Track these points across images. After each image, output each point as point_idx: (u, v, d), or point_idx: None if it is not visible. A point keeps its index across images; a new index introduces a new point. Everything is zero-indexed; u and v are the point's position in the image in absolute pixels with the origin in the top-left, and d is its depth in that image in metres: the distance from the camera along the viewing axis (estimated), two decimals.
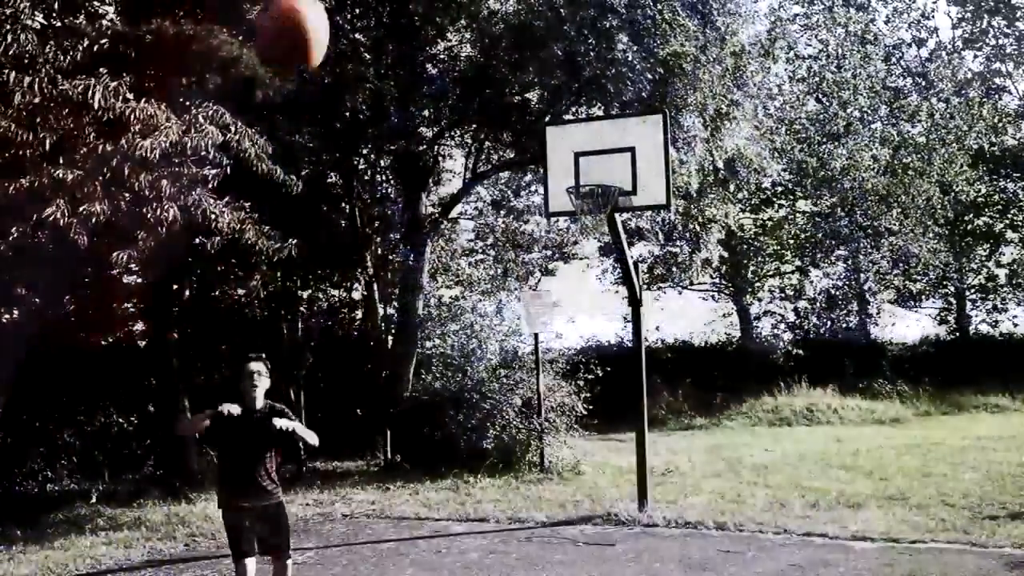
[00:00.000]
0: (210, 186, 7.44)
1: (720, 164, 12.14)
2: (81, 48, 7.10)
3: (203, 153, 7.15)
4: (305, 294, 16.35)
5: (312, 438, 5.16)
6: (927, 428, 16.28)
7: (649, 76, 10.55)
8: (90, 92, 6.46)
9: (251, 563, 5.02)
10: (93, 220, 6.63)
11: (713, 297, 25.32)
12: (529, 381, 11.72)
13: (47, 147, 6.47)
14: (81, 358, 12.57)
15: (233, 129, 7.44)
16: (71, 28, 7.63)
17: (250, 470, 5.07)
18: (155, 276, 11.19)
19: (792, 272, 23.39)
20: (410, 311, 13.78)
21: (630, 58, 10.49)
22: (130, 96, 6.70)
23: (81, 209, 6.54)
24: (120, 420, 12.71)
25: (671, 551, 7.10)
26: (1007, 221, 24.95)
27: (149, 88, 7.49)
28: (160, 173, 7.04)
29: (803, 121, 20.41)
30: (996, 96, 25.34)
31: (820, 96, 21.94)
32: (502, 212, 19.09)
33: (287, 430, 4.97)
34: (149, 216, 7.06)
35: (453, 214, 17.55)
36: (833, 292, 23.08)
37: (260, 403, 5.12)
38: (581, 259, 22.30)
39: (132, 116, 6.60)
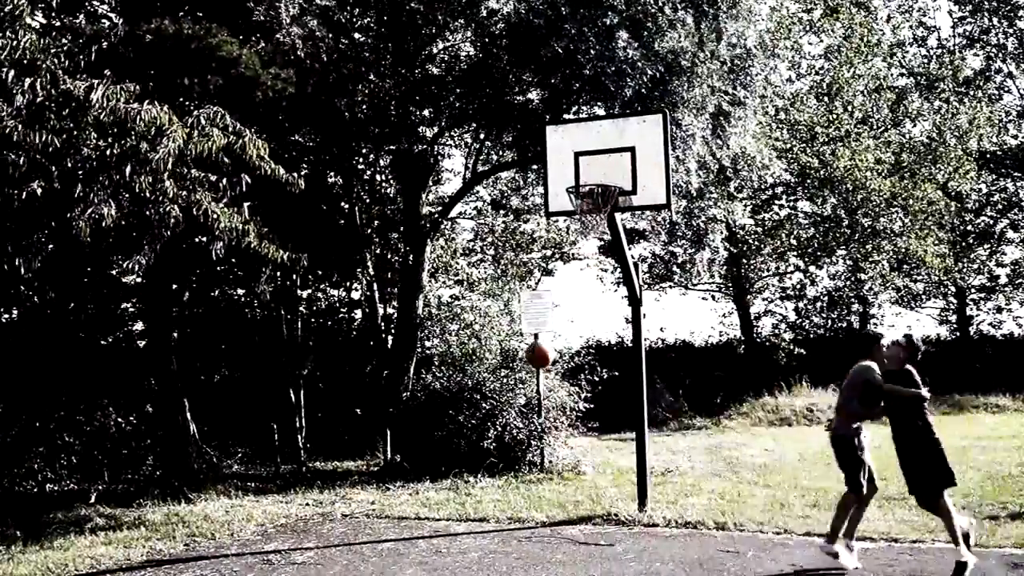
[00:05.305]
0: (220, 195, 7.38)
1: (726, 162, 12.10)
2: (80, 47, 7.07)
3: (207, 158, 7.11)
4: (305, 294, 16.37)
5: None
6: None
7: (649, 73, 10.52)
8: (91, 92, 6.42)
9: None
10: (104, 224, 6.61)
11: (713, 297, 25.32)
12: (529, 381, 11.72)
13: (51, 150, 6.43)
14: (81, 358, 12.58)
15: (233, 128, 7.40)
16: (71, 28, 7.61)
17: None
18: (156, 277, 11.19)
19: (793, 272, 23.37)
20: (410, 311, 13.78)
21: (630, 55, 10.47)
22: (133, 100, 6.66)
23: (89, 213, 6.52)
24: (120, 420, 12.71)
25: (671, 551, 7.09)
26: (1008, 221, 24.94)
27: (151, 89, 7.46)
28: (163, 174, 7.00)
29: (805, 121, 20.36)
30: (996, 96, 25.31)
31: (820, 95, 21.91)
32: (502, 212, 19.10)
33: None
34: (154, 218, 7.03)
35: (453, 214, 17.57)
36: (834, 292, 23.06)
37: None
38: (581, 259, 22.32)
39: (136, 118, 6.56)
